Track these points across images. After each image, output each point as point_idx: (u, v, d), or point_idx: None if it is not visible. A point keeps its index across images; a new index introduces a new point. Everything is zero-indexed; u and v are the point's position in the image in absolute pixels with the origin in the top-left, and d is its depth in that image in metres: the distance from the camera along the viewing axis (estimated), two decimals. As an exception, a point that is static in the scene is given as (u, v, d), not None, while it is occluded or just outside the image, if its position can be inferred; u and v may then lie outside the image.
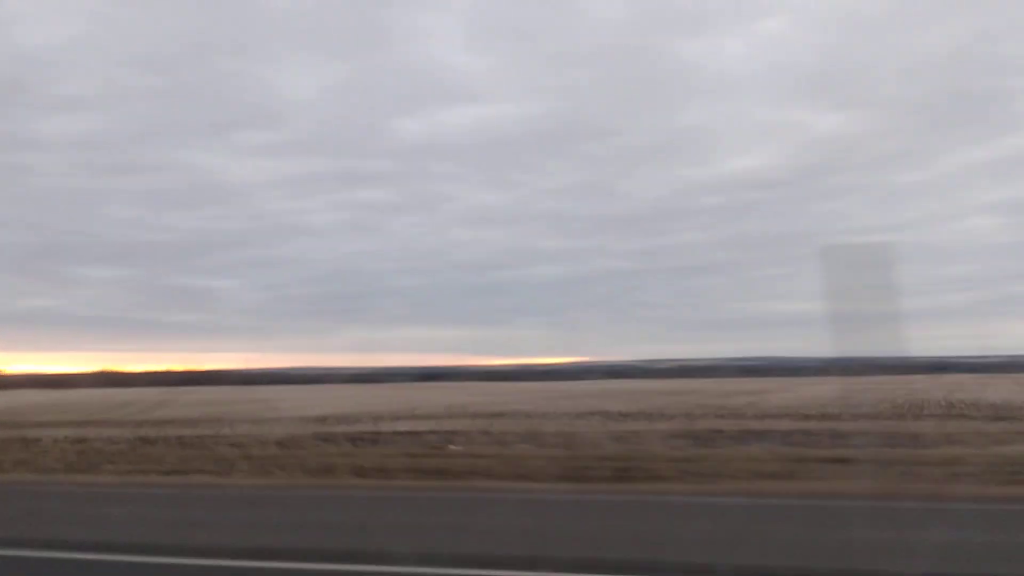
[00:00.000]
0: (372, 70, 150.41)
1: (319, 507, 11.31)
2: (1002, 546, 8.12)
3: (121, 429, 28.88)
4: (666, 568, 7.03)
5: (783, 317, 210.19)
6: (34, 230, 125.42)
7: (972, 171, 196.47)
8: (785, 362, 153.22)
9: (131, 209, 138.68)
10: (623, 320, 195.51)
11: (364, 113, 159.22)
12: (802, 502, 11.01)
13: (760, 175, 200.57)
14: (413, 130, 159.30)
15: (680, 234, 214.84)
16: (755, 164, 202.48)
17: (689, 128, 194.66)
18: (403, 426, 26.94)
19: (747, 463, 14.50)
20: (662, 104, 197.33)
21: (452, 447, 18.55)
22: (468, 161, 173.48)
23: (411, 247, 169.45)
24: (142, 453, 18.85)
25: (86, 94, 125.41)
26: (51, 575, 7.28)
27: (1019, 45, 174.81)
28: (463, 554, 7.47)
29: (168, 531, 9.12)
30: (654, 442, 19.52)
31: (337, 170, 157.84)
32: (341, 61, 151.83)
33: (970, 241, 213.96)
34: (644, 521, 9.96)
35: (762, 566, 7.07)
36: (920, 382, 63.48)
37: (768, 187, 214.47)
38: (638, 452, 16.81)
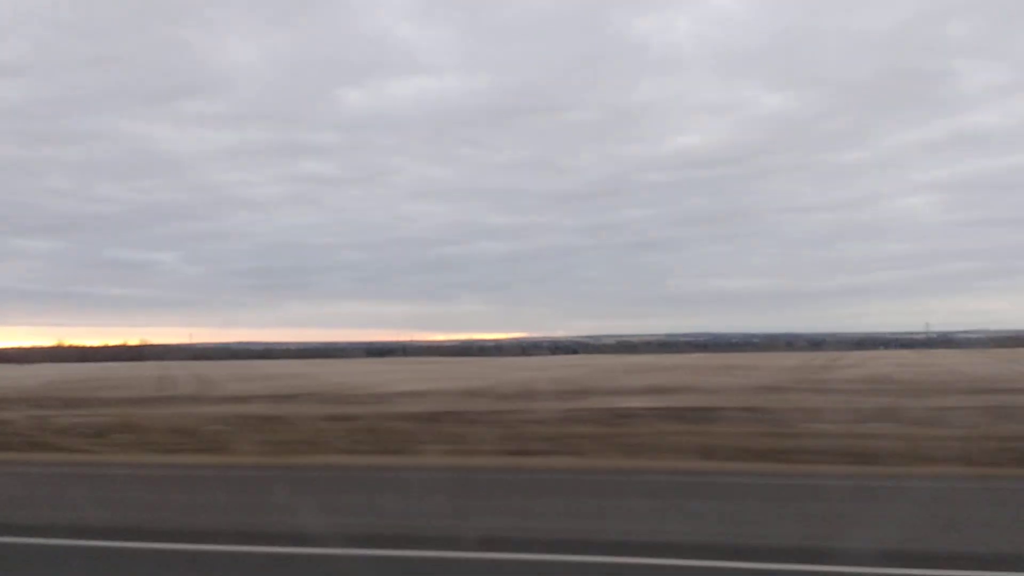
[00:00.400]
0: (316, 38, 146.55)
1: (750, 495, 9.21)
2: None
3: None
4: None
5: (728, 294, 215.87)
6: None
7: (912, 150, 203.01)
8: (729, 338, 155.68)
9: (67, 180, 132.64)
10: (568, 296, 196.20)
11: (308, 83, 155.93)
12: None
13: (706, 153, 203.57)
14: (358, 101, 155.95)
15: (627, 211, 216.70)
16: (700, 142, 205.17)
17: (636, 105, 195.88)
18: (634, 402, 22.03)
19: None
20: (610, 80, 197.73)
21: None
22: (414, 134, 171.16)
23: (356, 221, 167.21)
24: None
25: (17, 60, 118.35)
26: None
27: (961, 25, 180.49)
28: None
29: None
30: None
31: (280, 141, 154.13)
32: (284, 28, 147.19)
33: (909, 220, 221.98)
34: None
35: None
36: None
37: (713, 165, 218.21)
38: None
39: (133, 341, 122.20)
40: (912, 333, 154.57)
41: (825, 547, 6.33)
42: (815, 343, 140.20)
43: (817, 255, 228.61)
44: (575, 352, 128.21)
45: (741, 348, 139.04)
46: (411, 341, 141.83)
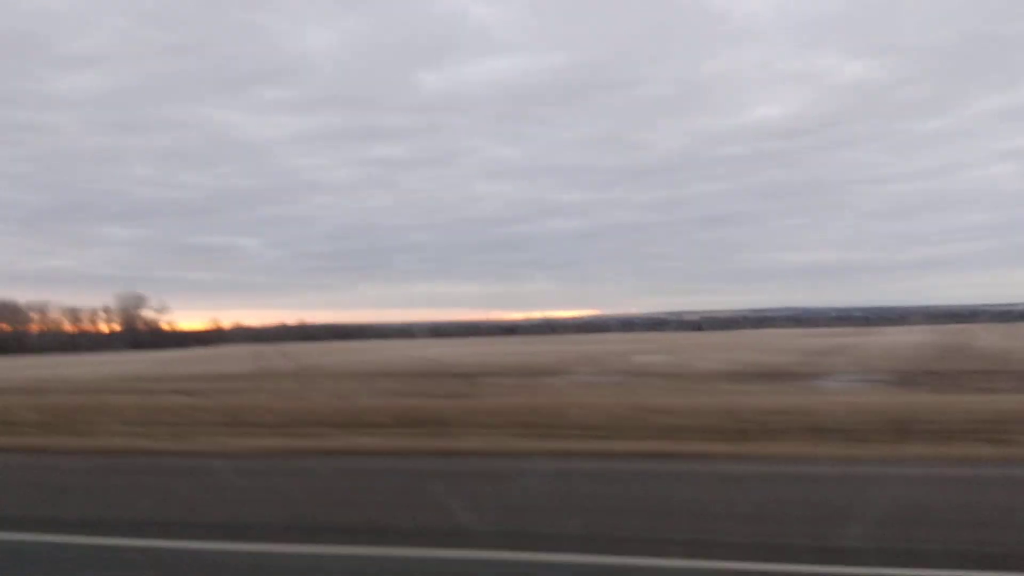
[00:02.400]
0: (392, 21, 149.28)
1: None
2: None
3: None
4: None
5: (802, 267, 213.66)
6: (51, 190, 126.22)
7: (994, 118, 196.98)
8: (826, 313, 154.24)
9: (149, 167, 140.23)
10: (640, 273, 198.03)
11: (383, 66, 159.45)
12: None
13: (783, 124, 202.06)
14: (432, 83, 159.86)
15: (700, 184, 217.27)
16: (777, 113, 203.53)
17: (712, 77, 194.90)
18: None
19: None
20: (685, 53, 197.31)
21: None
22: (486, 114, 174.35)
23: (428, 202, 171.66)
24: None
25: (100, 50, 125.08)
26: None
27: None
28: None
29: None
30: None
31: (355, 125, 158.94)
32: (360, 12, 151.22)
33: (989, 189, 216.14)
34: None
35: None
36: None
37: (790, 136, 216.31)
38: None
39: (225, 323, 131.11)
40: (998, 305, 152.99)
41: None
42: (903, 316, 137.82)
43: (895, 227, 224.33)
44: (694, 329, 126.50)
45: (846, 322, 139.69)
46: (526, 320, 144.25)
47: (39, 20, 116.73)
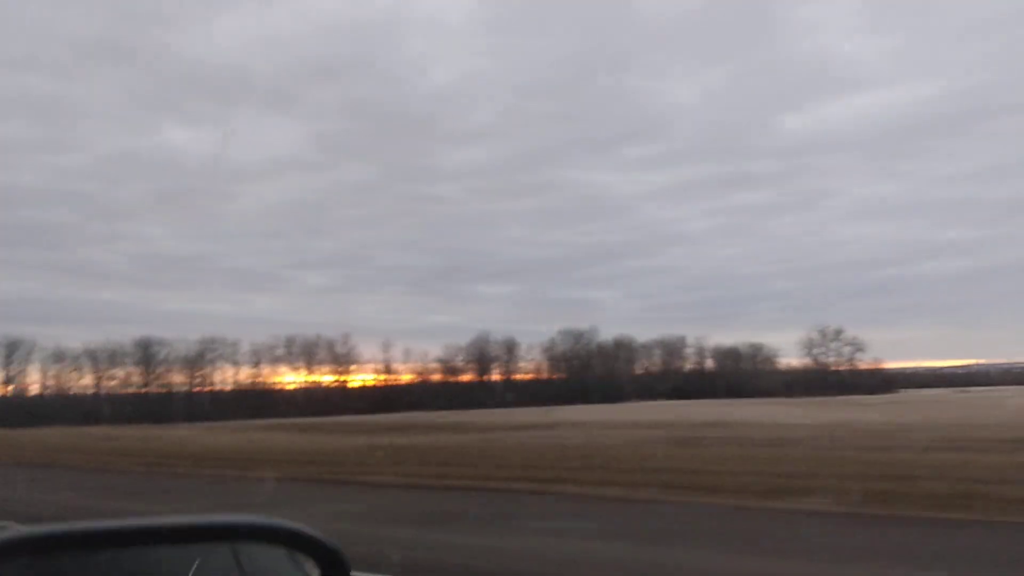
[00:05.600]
0: (755, 69, 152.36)
1: None
2: None
3: None
4: None
5: None
6: (440, 253, 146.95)
7: None
8: None
9: (522, 228, 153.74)
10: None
11: (744, 114, 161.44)
12: None
13: None
14: (796, 126, 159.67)
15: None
16: None
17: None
18: None
19: None
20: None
21: None
22: (853, 153, 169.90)
23: (788, 248, 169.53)
24: None
25: (484, 126, 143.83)
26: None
27: None
28: None
29: None
30: None
31: (715, 175, 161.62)
32: (723, 63, 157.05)
33: None
34: None
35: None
36: None
37: None
38: None
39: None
40: None
41: None
42: None
43: None
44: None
45: None
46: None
47: (434, 102, 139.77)
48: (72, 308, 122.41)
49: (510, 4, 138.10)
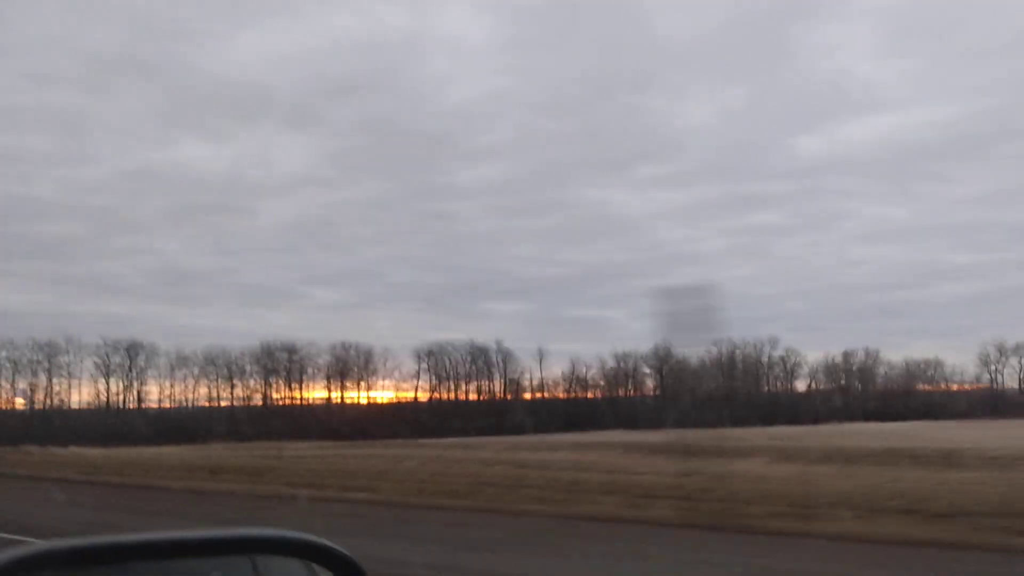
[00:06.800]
0: (772, 90, 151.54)
1: None
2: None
3: None
4: None
5: None
6: (452, 271, 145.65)
7: None
8: None
9: (532, 247, 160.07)
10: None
11: (759, 135, 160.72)
12: None
13: None
14: (811, 147, 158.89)
15: None
16: None
17: None
18: None
19: None
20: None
21: None
22: (868, 175, 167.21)
23: (799, 270, 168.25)
24: None
25: (499, 144, 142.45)
26: None
27: None
28: None
29: None
30: None
31: (729, 195, 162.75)
32: (741, 84, 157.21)
33: None
34: None
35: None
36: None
37: None
38: None
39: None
40: None
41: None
42: None
43: None
44: None
45: None
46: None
47: (451, 120, 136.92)
48: (83, 321, 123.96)
49: (529, 24, 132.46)
